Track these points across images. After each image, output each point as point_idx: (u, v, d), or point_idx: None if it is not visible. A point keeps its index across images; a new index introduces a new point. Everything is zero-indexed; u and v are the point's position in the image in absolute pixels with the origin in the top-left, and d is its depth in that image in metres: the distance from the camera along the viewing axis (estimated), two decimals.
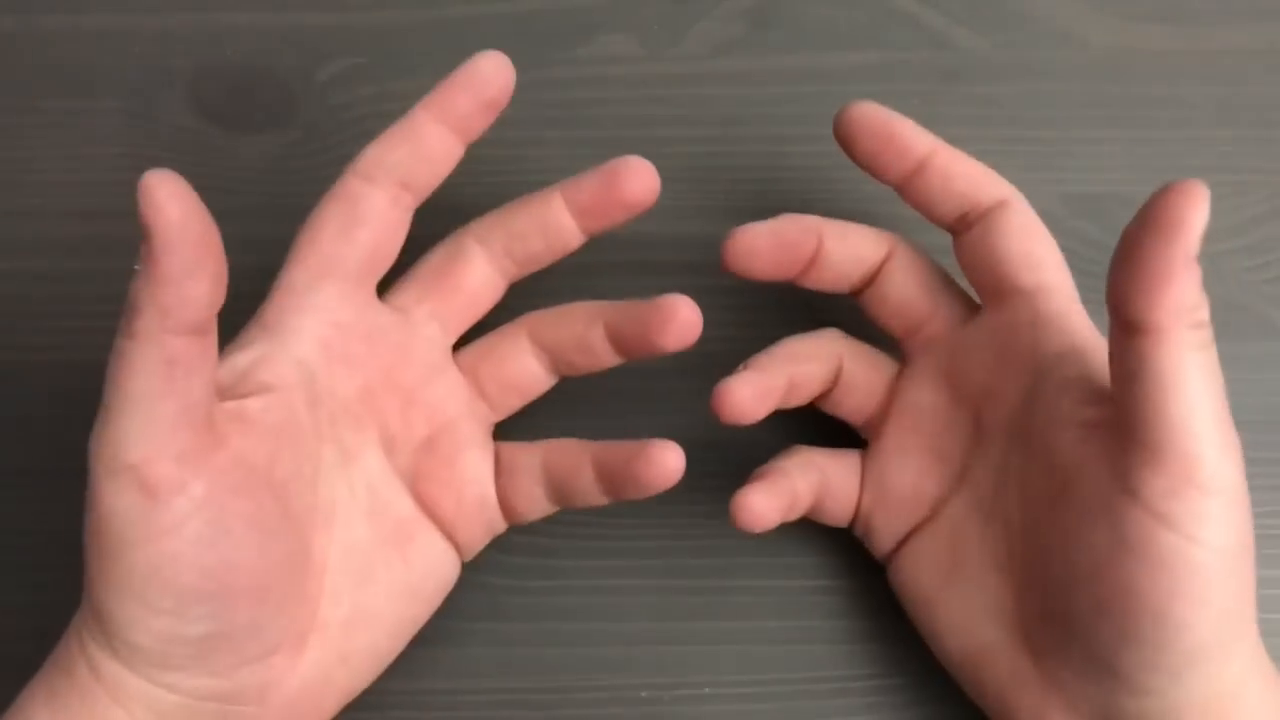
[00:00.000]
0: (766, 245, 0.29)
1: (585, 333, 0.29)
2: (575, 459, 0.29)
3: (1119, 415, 0.25)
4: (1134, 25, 0.37)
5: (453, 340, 0.31)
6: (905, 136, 0.29)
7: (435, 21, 0.37)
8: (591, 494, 0.29)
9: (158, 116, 0.36)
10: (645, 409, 0.33)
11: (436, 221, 0.35)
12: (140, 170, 0.35)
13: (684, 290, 0.29)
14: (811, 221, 0.30)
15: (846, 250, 0.30)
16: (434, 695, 0.31)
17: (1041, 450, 0.27)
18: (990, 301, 0.29)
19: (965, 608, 0.29)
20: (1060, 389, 0.27)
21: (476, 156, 0.35)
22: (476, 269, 0.30)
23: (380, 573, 0.29)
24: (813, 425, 0.32)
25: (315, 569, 0.28)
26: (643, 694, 0.31)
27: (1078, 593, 0.26)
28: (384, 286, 0.30)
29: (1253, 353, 0.34)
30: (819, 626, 0.32)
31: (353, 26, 0.37)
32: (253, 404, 0.26)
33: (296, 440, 0.27)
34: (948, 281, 0.30)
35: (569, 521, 0.32)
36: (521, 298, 0.31)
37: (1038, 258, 0.28)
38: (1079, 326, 0.28)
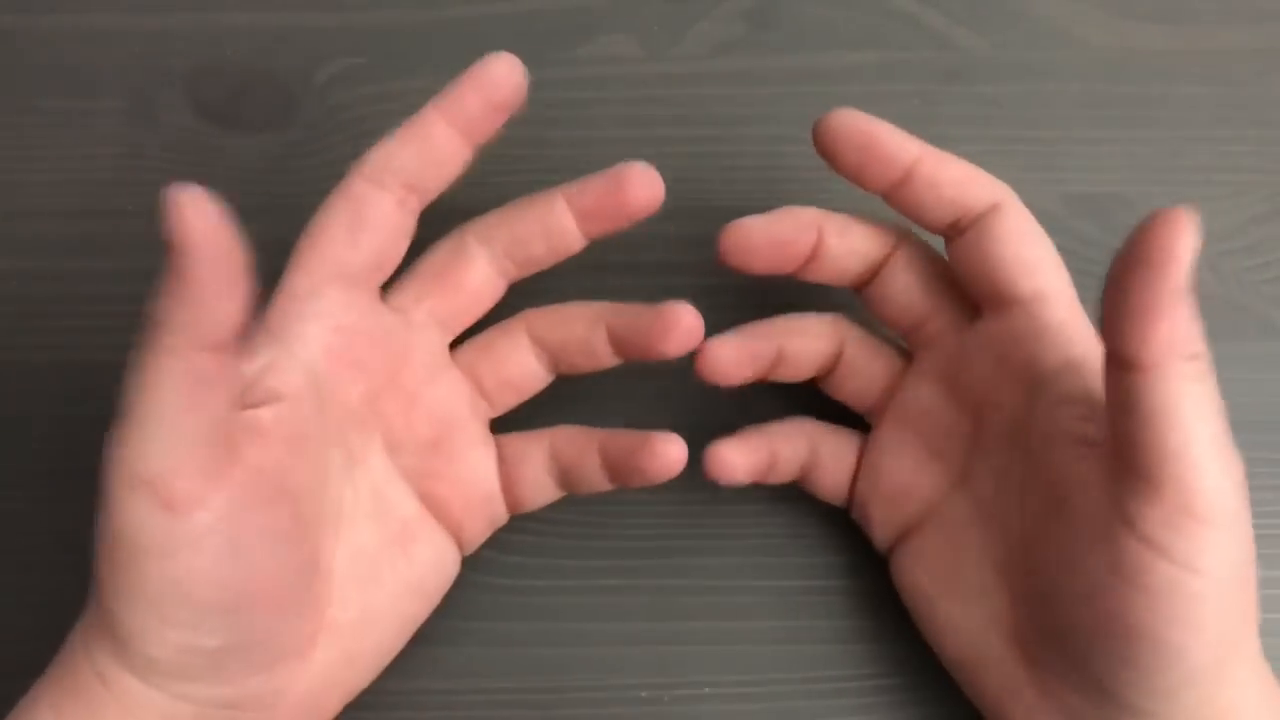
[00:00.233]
0: (762, 240, 0.29)
1: (588, 335, 0.29)
2: (582, 446, 0.29)
3: (1115, 443, 0.24)
4: (1134, 25, 0.37)
5: (451, 339, 0.31)
6: (888, 145, 0.28)
7: (435, 21, 0.37)
8: (597, 480, 0.29)
9: (158, 116, 0.36)
10: (646, 408, 0.33)
11: (436, 221, 0.35)
12: (140, 170, 0.35)
13: (683, 290, 0.29)
14: (811, 215, 0.29)
15: (846, 246, 0.29)
16: (434, 695, 0.31)
17: (1041, 463, 0.27)
18: (988, 308, 0.29)
19: (964, 612, 0.28)
20: (1058, 404, 0.27)
21: (476, 156, 0.36)
22: (477, 269, 0.30)
23: (386, 573, 0.29)
24: (821, 416, 0.32)
25: (324, 573, 0.28)
26: (642, 694, 0.31)
27: (1073, 612, 0.25)
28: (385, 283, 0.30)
29: (1253, 353, 0.34)
30: (818, 626, 0.32)
31: (352, 26, 0.37)
32: (265, 414, 0.26)
33: (308, 448, 0.27)
34: (953, 282, 0.30)
35: (568, 521, 0.32)
36: (521, 296, 0.31)
37: (1034, 262, 0.28)
38: (1078, 336, 0.27)
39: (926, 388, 0.30)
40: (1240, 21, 0.37)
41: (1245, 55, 0.37)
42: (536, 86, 0.36)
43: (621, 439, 0.29)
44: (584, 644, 0.32)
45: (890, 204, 0.29)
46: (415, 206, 0.29)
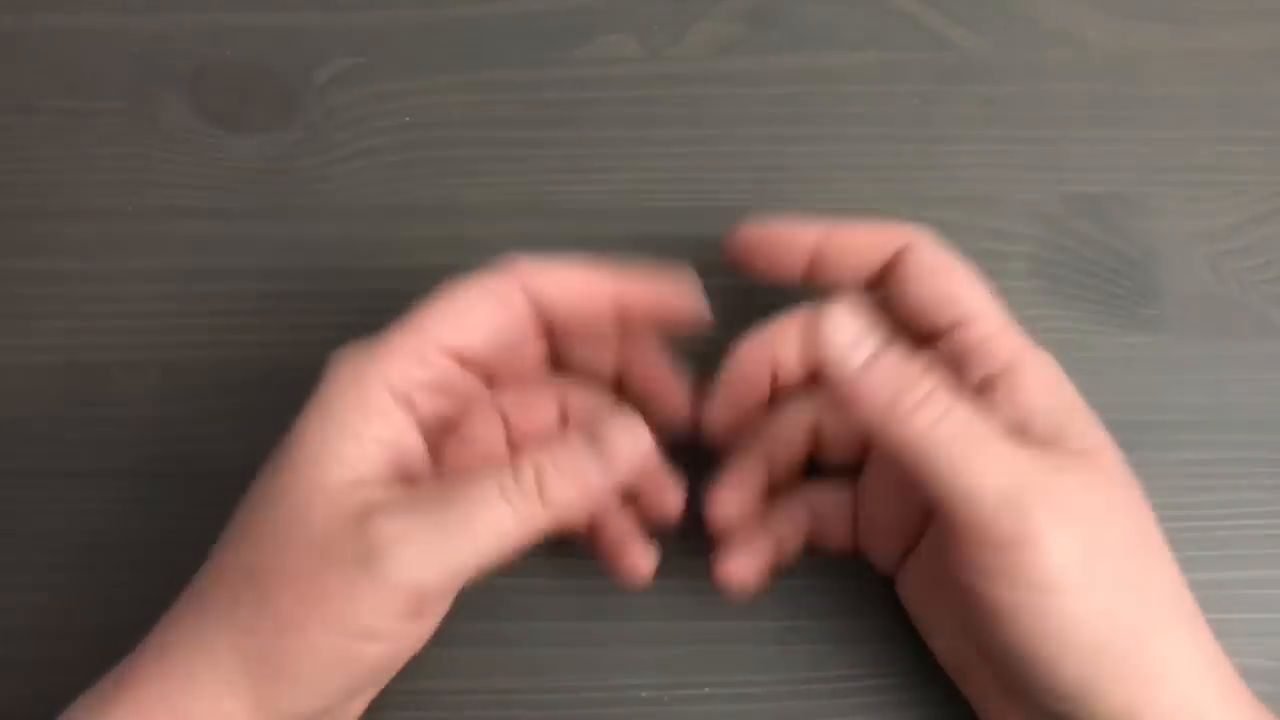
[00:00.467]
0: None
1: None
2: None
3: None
4: (1134, 25, 0.37)
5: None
6: (787, 233, 0.29)
7: (435, 21, 0.37)
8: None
9: (158, 116, 0.36)
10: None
11: (436, 221, 0.35)
12: (140, 170, 0.35)
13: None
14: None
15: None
16: (434, 695, 0.31)
17: None
18: (925, 345, 0.29)
19: (951, 623, 0.29)
20: None
21: (476, 156, 0.36)
22: (487, 429, 0.30)
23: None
24: None
25: None
26: (643, 694, 0.31)
27: (978, 631, 0.26)
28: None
29: (1253, 353, 0.34)
30: (819, 626, 0.32)
31: (353, 26, 0.37)
32: None
33: None
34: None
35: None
36: None
37: (950, 293, 0.28)
38: (1001, 351, 0.27)
39: None
40: (1240, 21, 0.37)
41: (1245, 55, 0.37)
42: (537, 86, 0.36)
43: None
44: (585, 644, 0.32)
45: (817, 284, 0.29)
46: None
